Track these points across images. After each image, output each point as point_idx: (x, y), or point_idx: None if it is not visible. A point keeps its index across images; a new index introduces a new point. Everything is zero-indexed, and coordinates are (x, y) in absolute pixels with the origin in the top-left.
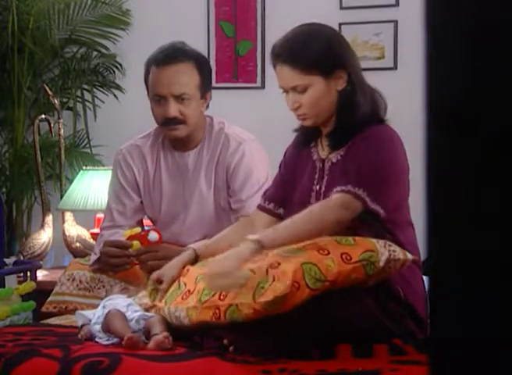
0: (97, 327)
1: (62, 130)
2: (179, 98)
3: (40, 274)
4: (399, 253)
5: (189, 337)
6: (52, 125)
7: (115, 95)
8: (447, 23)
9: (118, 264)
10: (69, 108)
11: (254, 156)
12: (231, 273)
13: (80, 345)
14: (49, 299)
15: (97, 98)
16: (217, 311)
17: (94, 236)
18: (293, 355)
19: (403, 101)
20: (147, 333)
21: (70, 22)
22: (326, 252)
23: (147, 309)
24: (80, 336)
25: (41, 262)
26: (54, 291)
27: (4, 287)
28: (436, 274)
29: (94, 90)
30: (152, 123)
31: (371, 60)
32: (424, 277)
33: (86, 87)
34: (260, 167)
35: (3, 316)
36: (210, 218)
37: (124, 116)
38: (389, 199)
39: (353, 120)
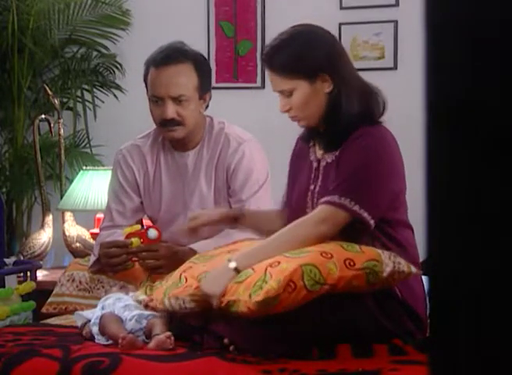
0: (96, 329)
1: (62, 130)
2: (177, 100)
3: (40, 274)
4: (403, 265)
5: (189, 337)
6: (52, 125)
7: (115, 95)
8: (447, 23)
9: (119, 263)
10: (69, 108)
11: (254, 156)
12: (213, 296)
13: (80, 345)
14: (49, 300)
15: (97, 98)
16: (221, 298)
17: (94, 236)
18: (293, 355)
19: (403, 101)
20: (149, 332)
21: (70, 22)
22: (330, 256)
23: (145, 306)
24: (84, 333)
25: (41, 262)
26: (54, 292)
27: (4, 287)
28: (436, 274)
29: (94, 90)
30: (152, 123)
31: (371, 60)
32: (424, 277)
33: (86, 87)
34: (260, 167)
35: (3, 316)
36: None
37: (124, 116)
38: (380, 201)
39: (340, 122)
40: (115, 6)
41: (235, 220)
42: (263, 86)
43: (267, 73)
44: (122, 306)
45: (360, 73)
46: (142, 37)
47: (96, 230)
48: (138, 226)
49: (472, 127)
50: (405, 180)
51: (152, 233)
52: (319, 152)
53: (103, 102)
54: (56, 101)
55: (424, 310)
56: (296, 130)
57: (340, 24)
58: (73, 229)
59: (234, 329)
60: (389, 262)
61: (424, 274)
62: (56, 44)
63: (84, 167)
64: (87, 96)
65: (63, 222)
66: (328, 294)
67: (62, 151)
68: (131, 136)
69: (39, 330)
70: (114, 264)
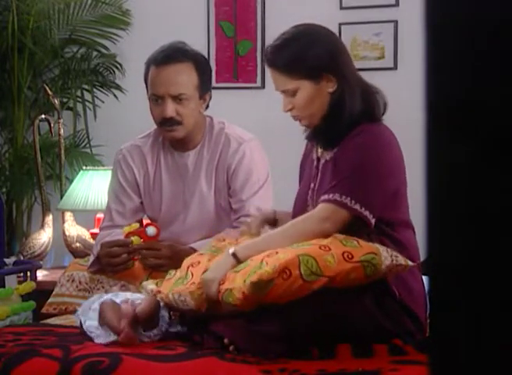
0: (93, 323)
1: (62, 130)
2: (177, 99)
3: (40, 274)
4: (401, 259)
5: (189, 337)
6: (52, 125)
7: (115, 95)
8: (447, 23)
9: (120, 262)
10: (69, 108)
11: (254, 156)
12: (213, 281)
13: (80, 345)
14: (49, 301)
15: (97, 98)
16: (220, 287)
17: (94, 236)
18: (293, 355)
19: (403, 101)
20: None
21: (70, 22)
22: (328, 249)
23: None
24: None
25: (41, 262)
26: (54, 293)
27: (4, 287)
28: (436, 274)
29: (94, 90)
30: (152, 123)
31: (371, 60)
32: (424, 277)
33: (86, 87)
34: (260, 167)
35: (3, 316)
36: (210, 218)
37: (124, 116)
38: (380, 199)
39: (340, 121)
40: (115, 6)
41: (275, 224)
42: (263, 86)
43: (269, 72)
44: (119, 302)
45: (361, 73)
46: (142, 37)
47: (96, 230)
48: (137, 225)
49: (472, 127)
50: (406, 178)
51: (151, 230)
52: (320, 151)
53: (103, 102)
54: (56, 101)
55: (424, 310)
56: (296, 130)
57: (340, 24)
58: (73, 229)
59: (234, 329)
60: (387, 255)
61: (424, 274)
62: (56, 44)
63: (84, 167)
64: (87, 96)
65: (63, 222)
66: (328, 293)
67: (62, 151)
68: (131, 136)
69: (39, 330)
70: (116, 264)
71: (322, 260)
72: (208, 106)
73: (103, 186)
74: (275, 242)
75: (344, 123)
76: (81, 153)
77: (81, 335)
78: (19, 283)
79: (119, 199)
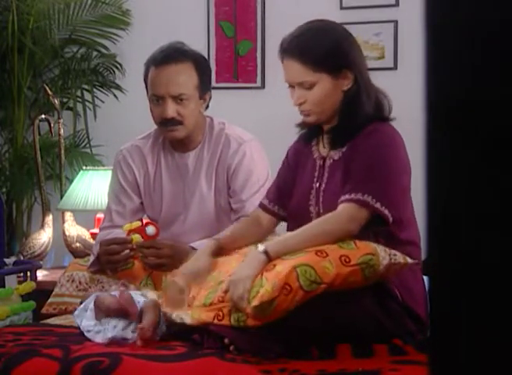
0: (91, 322)
1: (62, 130)
2: (177, 99)
3: (40, 274)
4: (399, 257)
5: (189, 337)
6: (52, 125)
7: (115, 95)
8: (447, 23)
9: (120, 260)
10: (69, 108)
11: (254, 157)
12: (246, 279)
13: (80, 345)
14: (49, 301)
15: (97, 98)
16: (220, 313)
17: (94, 236)
18: (293, 355)
19: (403, 101)
20: (140, 320)
21: (70, 22)
22: (325, 255)
23: None
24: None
25: (41, 262)
26: (53, 293)
27: (4, 287)
28: (436, 274)
29: (94, 90)
30: (152, 123)
31: (371, 60)
32: (425, 277)
33: (86, 87)
34: (260, 167)
35: (3, 316)
36: (210, 218)
37: (124, 116)
38: (397, 197)
39: (356, 120)
40: (115, 6)
41: (220, 252)
42: (263, 86)
43: (285, 62)
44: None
45: None
46: (142, 37)
47: (96, 230)
48: (138, 223)
49: (472, 127)
50: (410, 179)
51: (150, 229)
52: (324, 150)
53: (103, 102)
54: (56, 101)
55: (425, 310)
56: (295, 130)
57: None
58: (73, 229)
59: (234, 329)
60: (385, 255)
61: (424, 274)
62: (56, 44)
63: (84, 167)
64: (87, 96)
65: (63, 222)
66: (328, 294)
67: (62, 151)
68: (131, 136)
69: (39, 330)
70: (114, 261)
71: (320, 267)
72: (208, 106)
73: (103, 186)
74: (304, 240)
75: (359, 122)
76: (81, 153)
77: (81, 335)
78: (19, 283)
79: (119, 200)
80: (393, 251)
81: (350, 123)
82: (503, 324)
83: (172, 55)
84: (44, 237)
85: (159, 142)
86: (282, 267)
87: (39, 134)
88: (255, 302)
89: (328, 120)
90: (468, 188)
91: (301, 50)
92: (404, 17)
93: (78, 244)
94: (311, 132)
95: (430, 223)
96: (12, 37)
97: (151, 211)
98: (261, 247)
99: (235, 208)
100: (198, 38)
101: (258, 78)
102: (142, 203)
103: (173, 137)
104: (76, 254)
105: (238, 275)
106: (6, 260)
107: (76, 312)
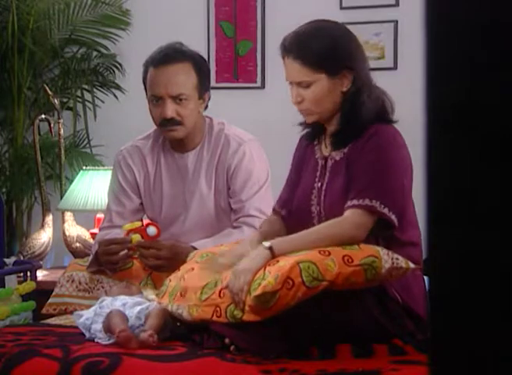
0: (98, 327)
1: (62, 130)
2: (177, 99)
3: (40, 274)
4: (401, 261)
5: (189, 337)
6: (52, 125)
7: (115, 95)
8: (447, 23)
9: (119, 260)
10: (69, 108)
11: (254, 157)
12: (245, 274)
13: (80, 345)
14: (49, 301)
15: (97, 98)
16: (218, 309)
17: (94, 236)
18: (293, 355)
19: (403, 101)
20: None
21: (70, 22)
22: (328, 253)
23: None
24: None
25: (41, 262)
26: (53, 293)
27: (4, 287)
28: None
29: (94, 90)
30: (152, 123)
31: (371, 60)
32: (425, 277)
33: (86, 87)
34: (260, 168)
35: (3, 316)
36: (210, 219)
37: (124, 116)
38: (402, 201)
39: (358, 121)
40: (115, 6)
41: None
42: (263, 86)
43: (286, 61)
44: (120, 305)
45: None
46: (142, 37)
47: (96, 230)
48: (139, 223)
49: (472, 127)
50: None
51: (151, 230)
52: (325, 150)
53: (103, 102)
54: (56, 101)
55: (425, 310)
56: (296, 131)
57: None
58: (73, 229)
59: (234, 329)
60: (387, 258)
61: (424, 274)
62: (56, 44)
63: (84, 167)
64: (87, 96)
65: (63, 222)
66: (329, 294)
67: (62, 151)
68: (131, 136)
69: (39, 330)
70: (113, 261)
71: (323, 265)
72: (207, 106)
73: (103, 186)
74: (310, 242)
75: (361, 123)
76: (81, 153)
77: (81, 335)
78: (19, 283)
79: (119, 200)
80: (396, 255)
81: (352, 124)
82: (502, 324)
83: (170, 55)
84: (44, 237)
85: (159, 143)
86: (285, 262)
87: (39, 134)
88: (258, 292)
89: (329, 120)
90: (468, 188)
91: (301, 50)
92: (404, 17)
93: (78, 245)
94: (313, 132)
95: (430, 222)
96: (12, 37)
97: (150, 211)
98: (266, 243)
99: (235, 209)
100: (198, 38)
101: (258, 78)
102: (142, 203)
103: (173, 138)
104: (76, 254)
105: (240, 267)
106: (6, 260)
107: (87, 314)
